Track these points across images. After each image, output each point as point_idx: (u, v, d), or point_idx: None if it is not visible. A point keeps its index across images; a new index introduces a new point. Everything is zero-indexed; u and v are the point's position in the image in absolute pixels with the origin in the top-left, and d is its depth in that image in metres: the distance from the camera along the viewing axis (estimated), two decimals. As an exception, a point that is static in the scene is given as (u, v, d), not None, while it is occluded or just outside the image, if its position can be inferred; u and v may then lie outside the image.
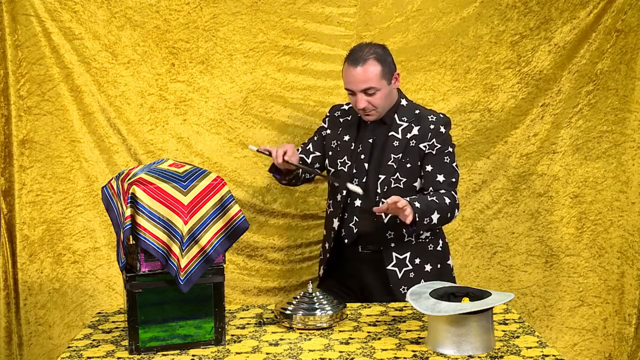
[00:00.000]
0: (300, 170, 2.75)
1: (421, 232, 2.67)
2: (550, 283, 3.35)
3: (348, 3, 3.16)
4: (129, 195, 2.01)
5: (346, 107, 2.82)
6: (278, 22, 3.15)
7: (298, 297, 2.32)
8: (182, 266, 2.04)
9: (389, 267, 2.65)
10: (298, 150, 2.83)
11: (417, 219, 2.45)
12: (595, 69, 3.23)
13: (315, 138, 2.86)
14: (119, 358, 2.06)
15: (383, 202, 2.61)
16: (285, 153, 2.60)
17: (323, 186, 3.27)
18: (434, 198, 2.53)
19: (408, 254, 2.66)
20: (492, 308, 2.06)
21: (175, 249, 2.04)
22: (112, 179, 2.23)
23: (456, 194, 2.62)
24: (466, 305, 2.01)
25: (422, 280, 2.65)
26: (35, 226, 3.09)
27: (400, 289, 2.64)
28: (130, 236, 2.02)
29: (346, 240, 2.70)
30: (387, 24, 3.19)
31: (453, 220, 2.67)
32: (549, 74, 3.24)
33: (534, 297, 3.36)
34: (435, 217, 2.50)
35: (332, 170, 2.76)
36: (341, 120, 2.79)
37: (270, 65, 3.17)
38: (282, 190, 3.25)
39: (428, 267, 2.69)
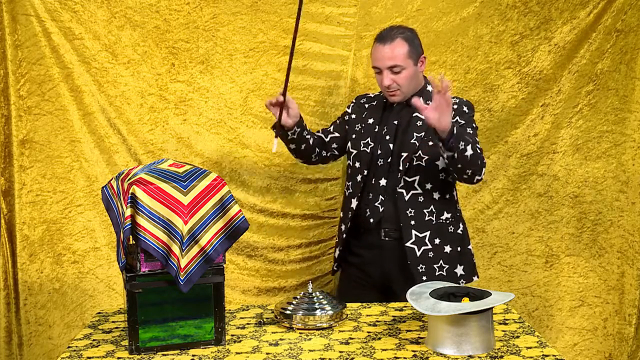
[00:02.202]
0: (310, 138, 2.82)
1: (444, 214, 2.69)
2: (550, 283, 3.35)
3: (348, 3, 3.16)
4: (129, 195, 2.01)
5: (371, 95, 2.92)
6: (278, 22, 3.15)
7: (298, 297, 2.32)
8: (182, 266, 2.04)
9: (408, 244, 2.67)
10: (318, 131, 2.94)
11: (455, 132, 2.42)
12: (595, 69, 3.23)
13: (338, 121, 2.95)
14: (119, 358, 2.06)
15: (406, 180, 2.67)
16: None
17: (323, 186, 3.28)
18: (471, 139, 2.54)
19: (427, 234, 2.68)
20: (492, 308, 2.06)
21: (175, 249, 2.04)
22: (112, 179, 2.23)
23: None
24: (466, 305, 2.01)
25: (441, 262, 2.69)
26: (35, 226, 3.09)
27: (418, 268, 2.66)
28: (130, 236, 2.02)
29: (371, 220, 2.73)
30: (387, 24, 3.18)
31: (478, 178, 2.59)
32: (549, 74, 3.24)
33: (534, 297, 3.36)
34: (469, 149, 2.47)
35: (354, 152, 2.80)
36: (366, 105, 2.87)
37: (270, 65, 3.17)
38: (282, 190, 3.25)
39: (448, 249, 2.71)
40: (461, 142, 2.45)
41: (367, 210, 2.75)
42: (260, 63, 3.17)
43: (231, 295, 3.23)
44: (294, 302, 2.30)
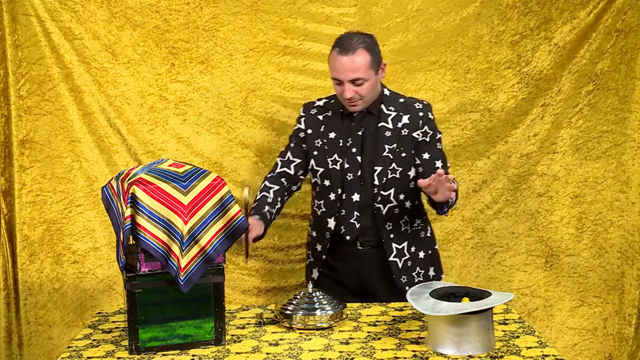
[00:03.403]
0: (279, 204, 2.68)
1: (416, 221, 2.71)
2: (550, 283, 3.35)
3: (348, 3, 3.16)
4: (129, 195, 2.01)
5: (321, 103, 2.75)
6: (278, 22, 3.15)
7: (298, 297, 2.32)
8: (182, 266, 2.04)
9: (391, 258, 2.66)
10: (277, 164, 2.74)
11: (449, 203, 2.49)
12: (595, 69, 3.23)
13: (293, 145, 2.75)
14: (119, 358, 2.06)
15: (382, 195, 2.62)
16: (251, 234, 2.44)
17: (323, 186, 3.27)
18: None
19: (405, 244, 2.68)
20: (492, 308, 2.06)
21: (175, 249, 2.04)
22: (112, 179, 2.23)
23: None
24: (466, 305, 2.01)
25: (417, 268, 2.70)
26: (35, 226, 3.09)
27: (401, 279, 2.67)
28: (130, 236, 2.02)
29: (348, 237, 2.67)
30: (387, 24, 3.19)
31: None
32: (549, 74, 3.24)
33: (534, 297, 3.36)
34: (453, 196, 2.51)
35: (321, 170, 2.67)
36: (320, 117, 2.71)
37: (270, 65, 3.17)
38: (282, 190, 3.24)
39: (421, 254, 2.71)
40: (450, 203, 2.52)
41: (342, 227, 2.67)
42: (260, 63, 3.17)
43: (231, 295, 3.23)
44: (294, 302, 2.29)
